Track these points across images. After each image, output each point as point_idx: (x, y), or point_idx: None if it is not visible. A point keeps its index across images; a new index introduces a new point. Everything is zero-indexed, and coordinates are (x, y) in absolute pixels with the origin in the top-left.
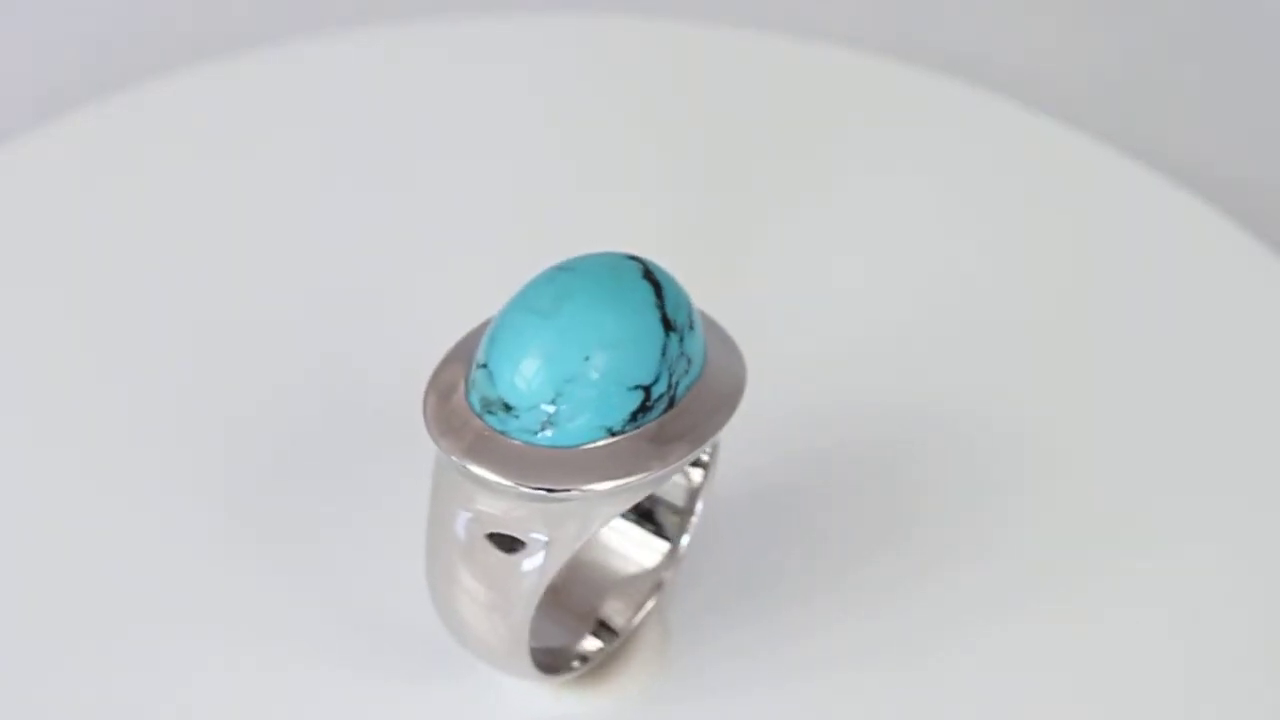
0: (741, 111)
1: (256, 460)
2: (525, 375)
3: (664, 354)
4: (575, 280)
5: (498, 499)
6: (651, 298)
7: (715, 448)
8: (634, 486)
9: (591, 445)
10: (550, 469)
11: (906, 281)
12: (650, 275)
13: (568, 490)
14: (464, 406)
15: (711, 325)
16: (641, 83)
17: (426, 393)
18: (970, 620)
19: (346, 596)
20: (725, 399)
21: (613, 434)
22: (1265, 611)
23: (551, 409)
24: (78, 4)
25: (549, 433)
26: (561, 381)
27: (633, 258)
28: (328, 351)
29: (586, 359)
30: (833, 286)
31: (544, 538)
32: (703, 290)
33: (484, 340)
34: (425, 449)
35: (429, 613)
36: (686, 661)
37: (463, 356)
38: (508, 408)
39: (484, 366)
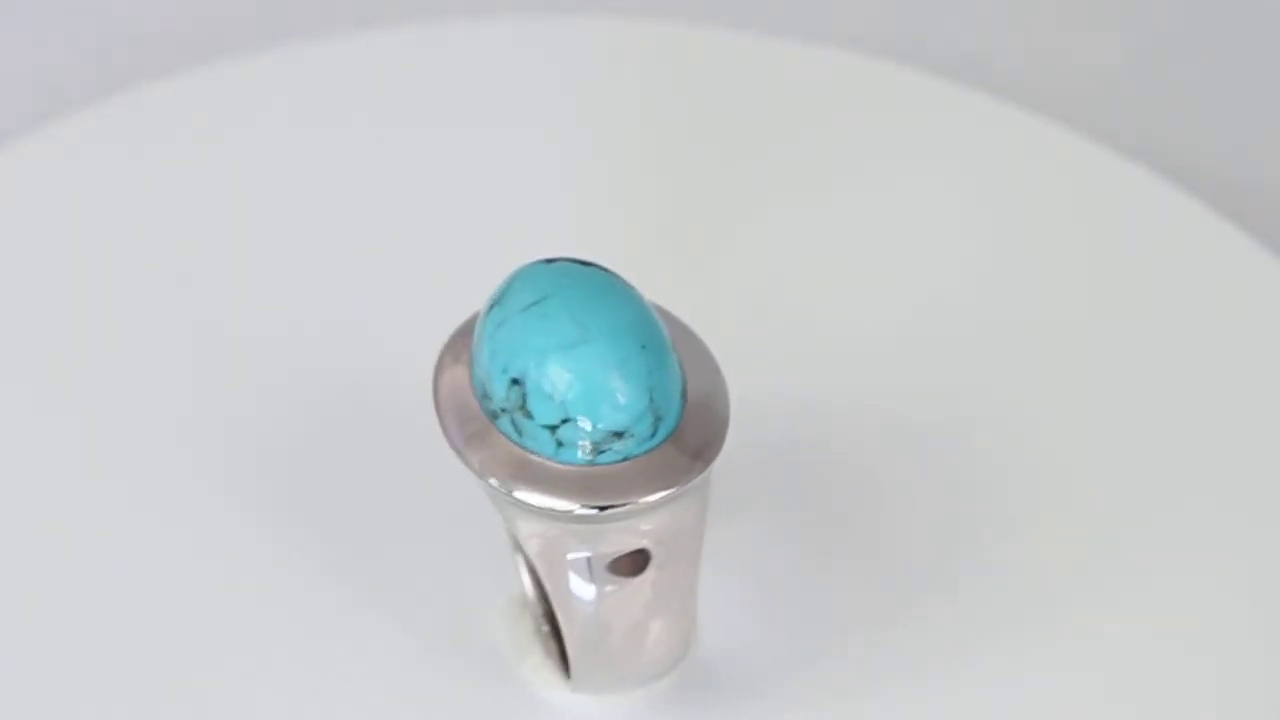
0: (741, 114)
1: (259, 460)
2: (623, 397)
3: (655, 311)
4: (573, 300)
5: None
6: (616, 278)
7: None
8: (693, 485)
9: (632, 460)
10: (599, 485)
11: (907, 284)
12: (589, 264)
13: (625, 504)
14: (493, 431)
15: (678, 323)
16: (641, 85)
17: (444, 422)
18: (977, 632)
19: (356, 597)
20: (720, 385)
21: (685, 399)
22: (1270, 620)
23: (655, 410)
24: (78, 5)
25: (661, 431)
26: (648, 380)
27: (556, 259)
28: (330, 351)
29: (643, 347)
30: (832, 290)
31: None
32: (699, 293)
33: (538, 401)
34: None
35: (436, 609)
36: (697, 670)
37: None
38: (619, 435)
39: (568, 421)
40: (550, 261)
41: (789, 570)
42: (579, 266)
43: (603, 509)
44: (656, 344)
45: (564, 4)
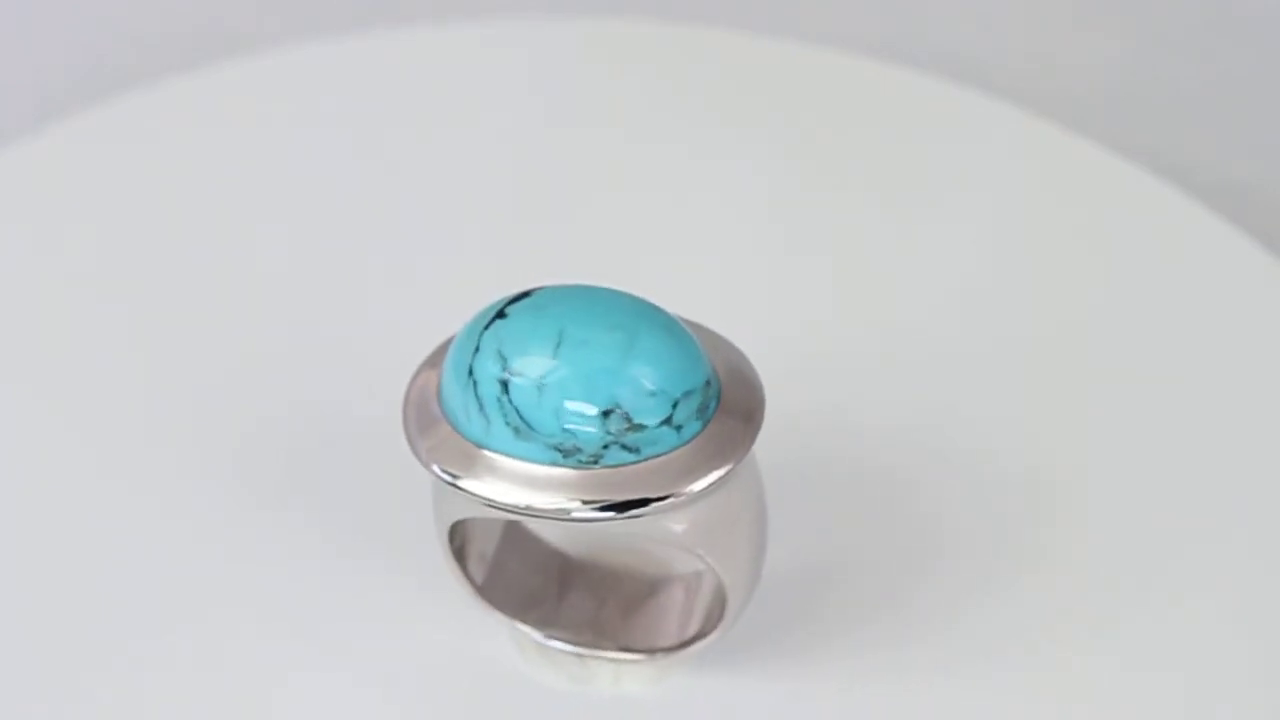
0: (740, 114)
1: (259, 465)
2: (693, 355)
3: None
4: (582, 316)
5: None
6: (570, 286)
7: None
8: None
9: (678, 450)
10: (640, 481)
11: (906, 285)
12: (529, 291)
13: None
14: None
15: (701, 328)
16: (640, 87)
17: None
18: (982, 651)
19: (363, 594)
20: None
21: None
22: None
23: (710, 384)
24: (78, 7)
25: (675, 435)
26: (688, 335)
27: (504, 308)
28: (330, 352)
29: (657, 310)
30: (831, 293)
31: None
32: (698, 300)
33: (643, 409)
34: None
35: (442, 602)
36: (702, 666)
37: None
38: (708, 384)
39: (678, 404)
40: (502, 315)
41: (798, 567)
42: (536, 296)
43: (653, 500)
44: (662, 309)
45: (564, 5)
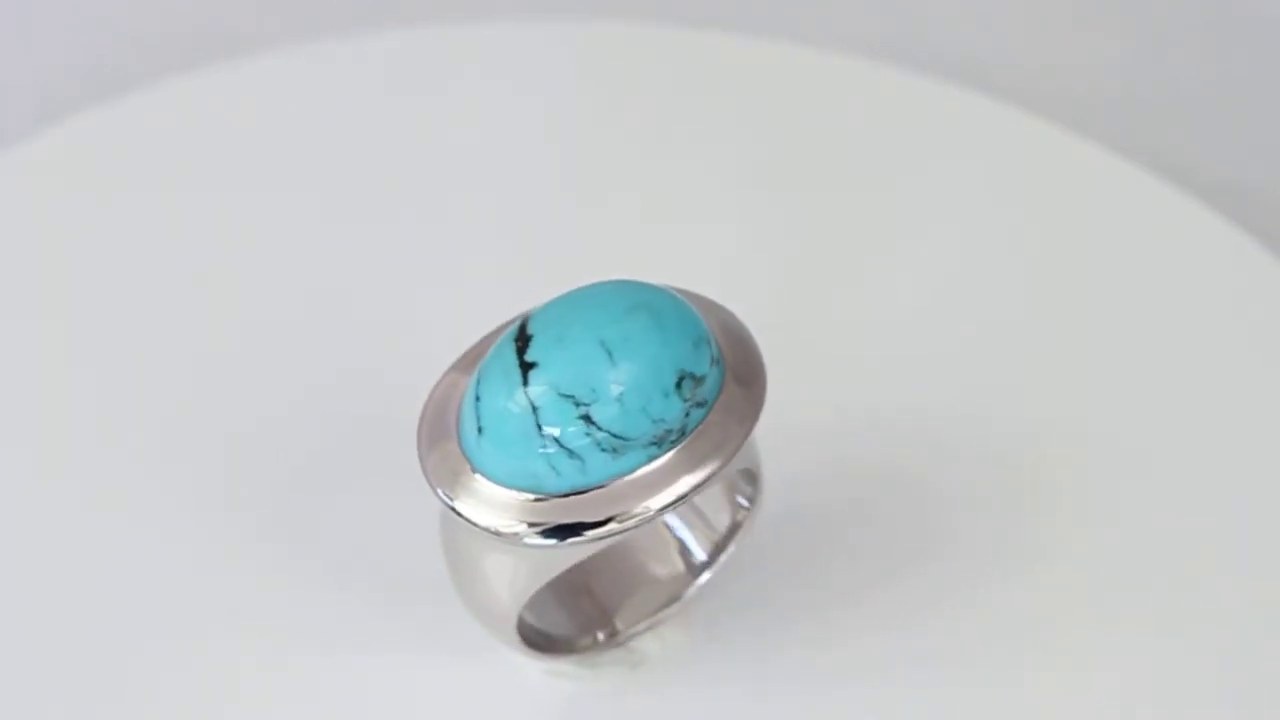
0: (740, 116)
1: (261, 463)
2: (700, 319)
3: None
4: (605, 314)
5: None
6: (572, 292)
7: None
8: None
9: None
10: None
11: (906, 286)
12: (525, 323)
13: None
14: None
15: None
16: (639, 89)
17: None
18: (983, 643)
19: (355, 596)
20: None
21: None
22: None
23: (718, 357)
24: (78, 8)
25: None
26: (707, 338)
27: (518, 348)
28: (330, 357)
29: (639, 281)
30: (831, 294)
31: None
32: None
33: (702, 363)
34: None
35: (441, 602)
36: (701, 656)
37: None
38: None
39: (713, 359)
40: (532, 366)
41: (796, 565)
42: (541, 331)
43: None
44: (633, 280)
45: (564, 6)
